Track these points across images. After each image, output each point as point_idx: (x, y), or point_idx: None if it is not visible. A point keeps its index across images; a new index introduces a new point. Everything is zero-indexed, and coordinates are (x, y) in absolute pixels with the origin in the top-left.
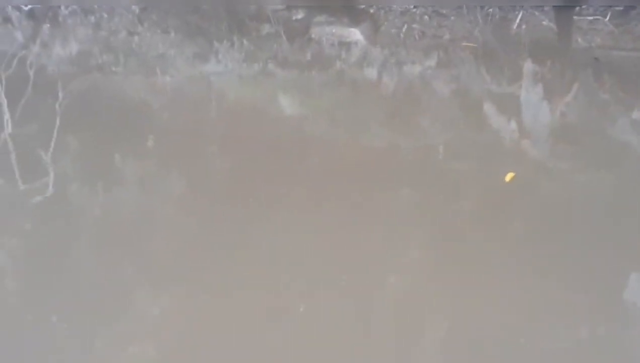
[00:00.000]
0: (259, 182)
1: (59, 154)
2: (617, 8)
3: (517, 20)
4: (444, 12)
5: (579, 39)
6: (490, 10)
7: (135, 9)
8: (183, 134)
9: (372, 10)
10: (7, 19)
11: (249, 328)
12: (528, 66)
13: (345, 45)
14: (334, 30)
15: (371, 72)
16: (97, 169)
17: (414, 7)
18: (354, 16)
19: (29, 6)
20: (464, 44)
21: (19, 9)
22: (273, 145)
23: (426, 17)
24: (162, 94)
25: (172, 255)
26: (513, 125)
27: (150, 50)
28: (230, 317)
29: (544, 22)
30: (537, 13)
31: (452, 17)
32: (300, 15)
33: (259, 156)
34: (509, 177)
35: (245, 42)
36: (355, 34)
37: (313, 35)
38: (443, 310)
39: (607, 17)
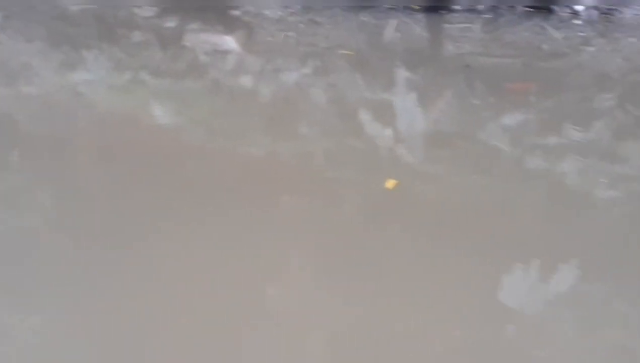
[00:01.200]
0: (134, 194)
1: None
2: (487, 16)
3: (391, 28)
4: (319, 20)
5: (451, 46)
6: (365, 19)
7: None
8: (52, 146)
9: (246, 18)
10: None
11: (129, 348)
12: (402, 73)
13: (220, 53)
14: (208, 38)
15: (247, 80)
16: None
17: (290, 14)
18: (228, 24)
19: None
20: (341, 51)
21: None
22: (147, 156)
23: (302, 25)
24: (27, 105)
25: (43, 275)
26: (389, 131)
27: (13, 59)
28: (107, 336)
29: (417, 30)
30: (409, 21)
31: (328, 26)
32: (172, 22)
33: (134, 168)
34: (391, 184)
35: (115, 49)
36: (230, 42)
37: (186, 43)
38: (327, 318)
39: (477, 25)
